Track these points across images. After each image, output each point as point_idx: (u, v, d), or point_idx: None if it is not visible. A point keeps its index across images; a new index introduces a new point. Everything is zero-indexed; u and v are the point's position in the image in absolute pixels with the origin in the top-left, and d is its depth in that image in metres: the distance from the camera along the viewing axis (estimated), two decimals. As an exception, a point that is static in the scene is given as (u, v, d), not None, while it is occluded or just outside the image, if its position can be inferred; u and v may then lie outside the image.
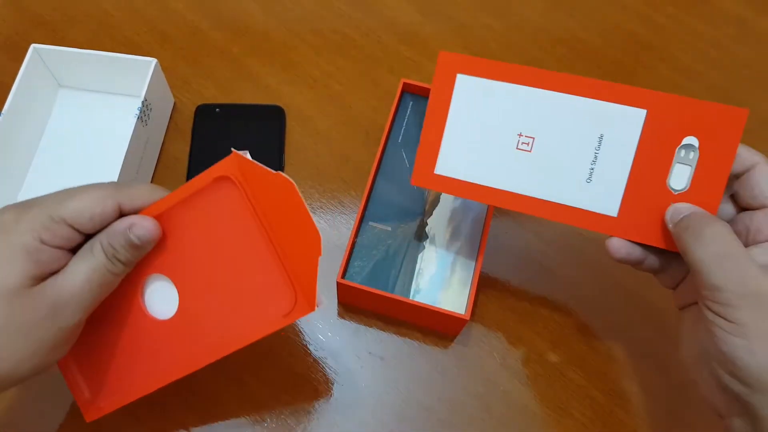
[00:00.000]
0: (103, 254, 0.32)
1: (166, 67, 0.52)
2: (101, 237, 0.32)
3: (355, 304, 0.46)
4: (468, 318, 0.41)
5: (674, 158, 0.34)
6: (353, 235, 0.45)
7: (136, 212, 0.34)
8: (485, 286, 0.47)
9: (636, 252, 0.36)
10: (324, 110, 0.55)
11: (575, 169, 0.36)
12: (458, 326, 0.44)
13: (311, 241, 0.32)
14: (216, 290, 0.36)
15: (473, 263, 0.45)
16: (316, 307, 0.33)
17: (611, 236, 0.36)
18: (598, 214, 0.36)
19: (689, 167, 0.34)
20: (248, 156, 0.33)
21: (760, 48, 0.59)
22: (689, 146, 0.34)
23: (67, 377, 0.38)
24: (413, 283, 0.44)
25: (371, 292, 0.42)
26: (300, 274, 0.34)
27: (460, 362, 0.45)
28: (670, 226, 0.34)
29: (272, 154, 0.52)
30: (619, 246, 0.36)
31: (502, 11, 0.60)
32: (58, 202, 0.31)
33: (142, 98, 0.47)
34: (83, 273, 0.31)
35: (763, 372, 0.29)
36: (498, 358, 0.45)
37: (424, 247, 0.46)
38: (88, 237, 0.33)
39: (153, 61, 0.49)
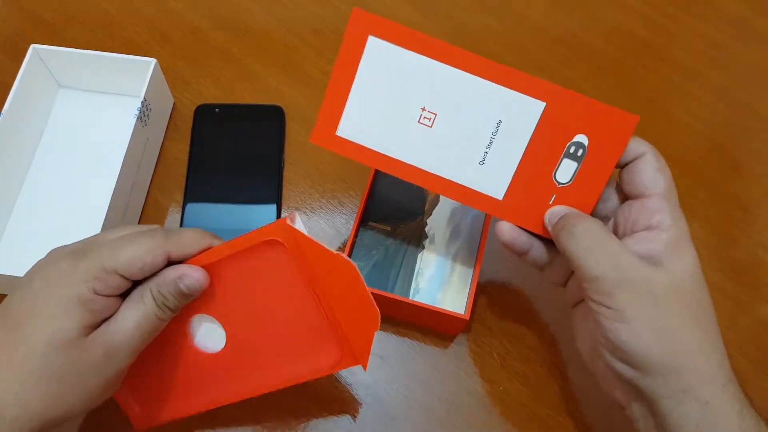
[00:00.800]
0: (153, 302, 0.33)
1: (165, 67, 0.52)
2: (151, 285, 0.33)
3: (354, 304, 0.46)
4: (468, 318, 0.41)
5: (563, 153, 0.35)
6: (353, 235, 0.45)
7: (183, 260, 0.35)
8: (485, 286, 0.47)
9: (522, 238, 0.37)
10: (324, 110, 0.55)
11: (471, 150, 0.36)
12: (458, 326, 0.44)
13: (369, 317, 0.34)
14: (262, 335, 0.37)
15: (473, 263, 0.45)
16: (366, 368, 0.36)
17: (500, 220, 0.37)
18: (486, 195, 0.37)
19: (576, 163, 0.35)
20: (300, 224, 0.34)
21: (760, 48, 0.58)
22: (579, 143, 0.35)
23: (118, 398, 0.39)
24: (413, 282, 0.44)
25: (371, 292, 0.42)
26: (353, 337, 0.35)
27: (460, 362, 0.45)
28: (549, 228, 0.36)
29: (272, 154, 0.52)
30: (506, 229, 0.37)
31: (502, 11, 0.60)
32: (110, 253, 0.32)
33: (141, 98, 0.47)
34: (134, 320, 0.33)
35: (648, 354, 0.31)
36: (498, 358, 0.45)
37: (423, 247, 0.46)
38: (135, 282, 0.34)
39: (152, 61, 0.49)
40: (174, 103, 0.55)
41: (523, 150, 0.36)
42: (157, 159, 0.52)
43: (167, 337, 0.36)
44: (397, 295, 0.42)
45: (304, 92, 0.55)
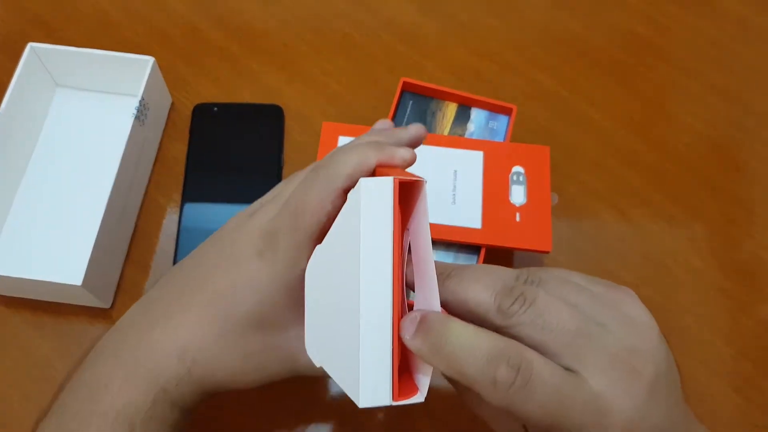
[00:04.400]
0: None
1: (163, 66, 0.51)
2: None
3: (354, 305, 0.46)
4: (468, 319, 0.41)
5: (510, 182, 0.45)
6: (353, 236, 0.45)
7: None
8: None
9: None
10: (323, 110, 0.54)
11: (442, 196, 0.45)
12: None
13: None
14: None
15: (473, 264, 0.45)
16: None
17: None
18: (468, 228, 0.44)
19: (522, 186, 0.45)
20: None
21: (761, 47, 0.58)
22: (518, 173, 0.45)
23: None
24: (413, 283, 0.44)
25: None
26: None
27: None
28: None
29: (271, 154, 0.52)
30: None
31: (503, 10, 0.60)
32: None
33: (139, 97, 0.47)
34: None
35: None
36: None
37: (423, 248, 0.45)
38: None
39: (150, 59, 0.48)
40: (172, 103, 0.54)
41: (481, 186, 0.45)
42: (155, 158, 0.52)
43: None
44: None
45: (303, 92, 0.55)
